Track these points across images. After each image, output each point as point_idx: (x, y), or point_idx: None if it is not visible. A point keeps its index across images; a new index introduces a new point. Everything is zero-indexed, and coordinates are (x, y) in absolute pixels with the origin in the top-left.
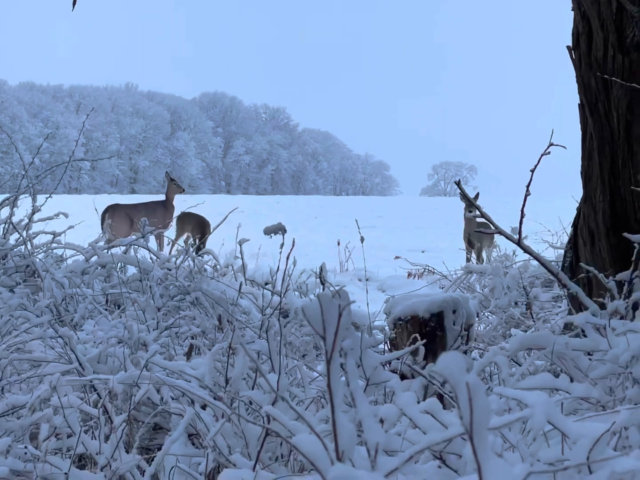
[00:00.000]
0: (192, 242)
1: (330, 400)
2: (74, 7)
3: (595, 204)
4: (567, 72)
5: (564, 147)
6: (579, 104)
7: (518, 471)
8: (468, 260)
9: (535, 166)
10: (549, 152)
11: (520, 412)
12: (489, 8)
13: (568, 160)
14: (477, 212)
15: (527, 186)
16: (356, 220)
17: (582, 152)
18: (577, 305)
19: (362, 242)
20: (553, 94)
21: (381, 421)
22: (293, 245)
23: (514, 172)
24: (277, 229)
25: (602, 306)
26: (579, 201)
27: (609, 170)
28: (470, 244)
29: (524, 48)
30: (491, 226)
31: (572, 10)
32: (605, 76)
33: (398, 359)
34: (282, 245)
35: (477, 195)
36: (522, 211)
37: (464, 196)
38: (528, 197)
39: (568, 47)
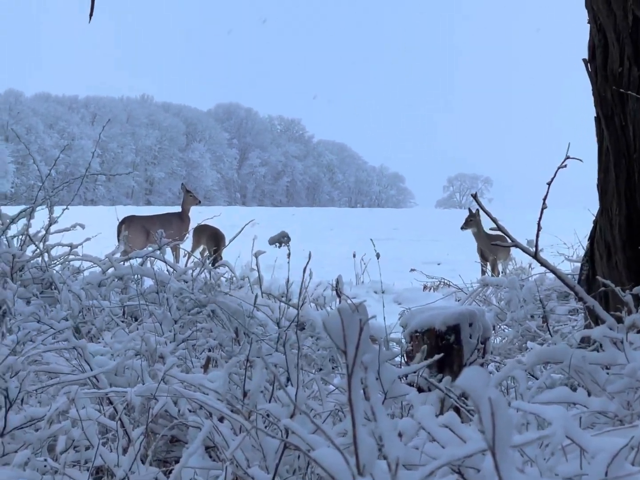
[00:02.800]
0: (208, 255)
1: (351, 414)
2: (90, 19)
3: (611, 217)
4: (583, 85)
5: (580, 160)
6: (595, 117)
7: None
8: (483, 272)
9: (552, 179)
10: (565, 166)
11: (541, 432)
12: (504, 19)
13: (584, 173)
14: (475, 228)
15: (544, 199)
16: (371, 240)
17: (599, 165)
18: (594, 319)
19: (377, 258)
20: (569, 106)
21: (399, 435)
22: (310, 258)
23: (530, 183)
24: (281, 237)
25: (619, 320)
26: (595, 214)
27: (625, 184)
28: (483, 257)
29: (539, 60)
30: (507, 239)
31: (588, 23)
32: (621, 90)
33: (415, 372)
34: (288, 254)
35: (478, 211)
36: (538, 224)
37: (469, 217)
38: (544, 210)
39: (584, 59)
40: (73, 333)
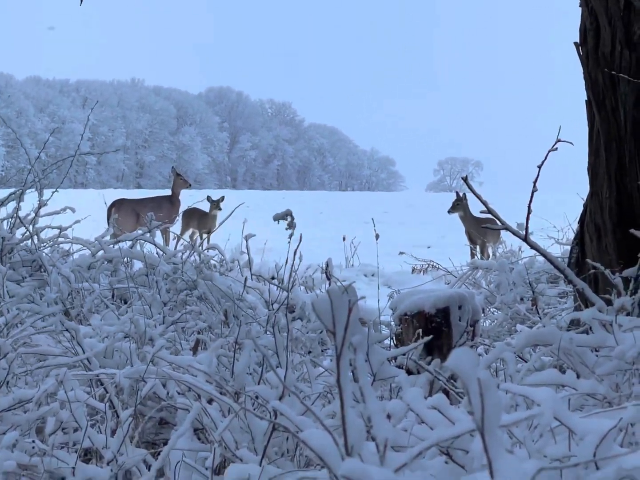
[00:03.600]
0: (198, 238)
1: (340, 396)
2: (82, 1)
3: (601, 200)
4: (574, 68)
5: (571, 143)
6: (586, 101)
7: (529, 467)
8: (473, 256)
9: (543, 162)
10: (556, 149)
11: (529, 411)
12: (493, 1)
13: (574, 156)
14: (462, 212)
15: (534, 182)
16: (372, 219)
17: (589, 148)
18: (583, 302)
19: (377, 239)
20: (559, 89)
21: (388, 417)
22: (300, 240)
23: (521, 167)
24: (285, 215)
25: (609, 302)
26: (585, 198)
27: (615, 167)
28: (471, 240)
29: (530, 43)
30: (496, 222)
31: (580, 6)
32: (613, 72)
33: (404, 354)
34: (291, 235)
35: (464, 195)
36: (529, 207)
37: (456, 200)
38: (535, 193)
39: (575, 43)
40: (63, 315)
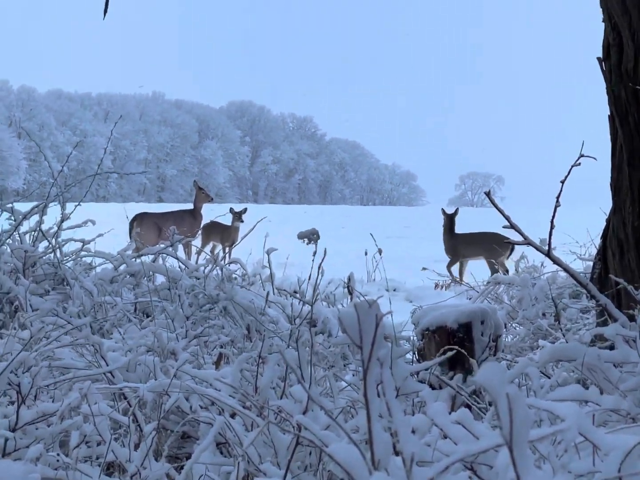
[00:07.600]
0: (222, 250)
1: (366, 410)
2: (105, 15)
3: (624, 215)
4: (597, 83)
5: (594, 158)
6: (608, 116)
7: None
8: (494, 271)
9: (566, 177)
10: (579, 164)
11: (555, 426)
12: (514, 16)
13: (596, 171)
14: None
15: (557, 197)
16: (371, 234)
17: (612, 163)
18: (605, 317)
19: (380, 254)
20: (582, 105)
21: (412, 431)
22: (325, 255)
23: (542, 182)
24: (311, 234)
25: (632, 318)
26: (607, 213)
27: (638, 182)
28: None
29: (551, 58)
30: (520, 236)
31: (603, 21)
32: (636, 87)
33: (427, 369)
34: (314, 253)
35: (457, 210)
36: (551, 222)
37: (445, 215)
38: (557, 208)
39: (598, 58)
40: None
